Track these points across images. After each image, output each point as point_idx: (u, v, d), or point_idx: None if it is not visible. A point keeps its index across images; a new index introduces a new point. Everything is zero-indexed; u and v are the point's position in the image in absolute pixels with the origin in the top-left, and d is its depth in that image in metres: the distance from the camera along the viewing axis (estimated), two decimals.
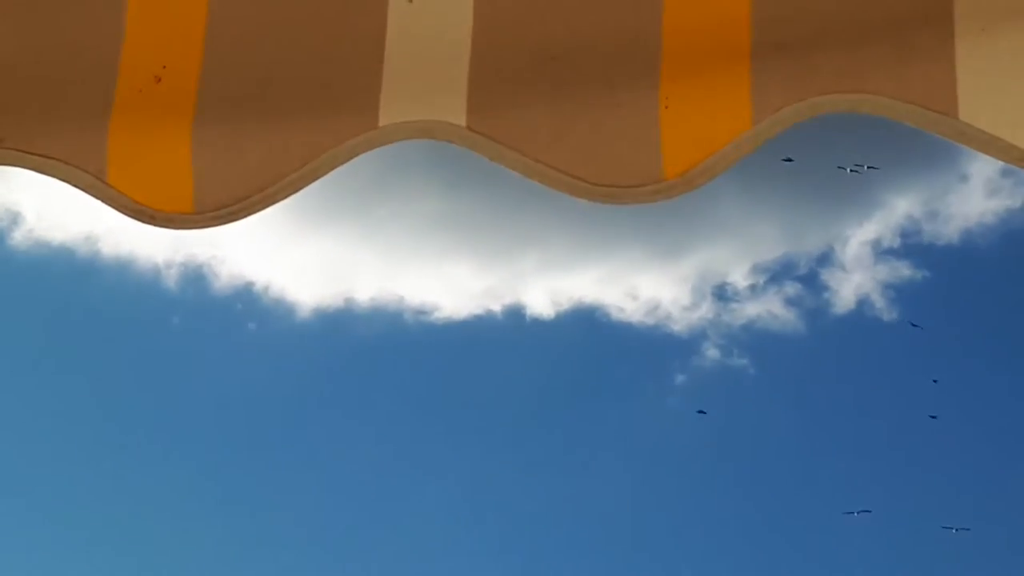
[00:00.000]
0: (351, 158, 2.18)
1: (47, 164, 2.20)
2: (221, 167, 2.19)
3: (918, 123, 2.03)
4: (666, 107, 2.11)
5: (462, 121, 2.15)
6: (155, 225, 2.20)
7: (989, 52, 2.01)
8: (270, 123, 2.20)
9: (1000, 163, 2.03)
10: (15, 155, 2.21)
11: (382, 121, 2.17)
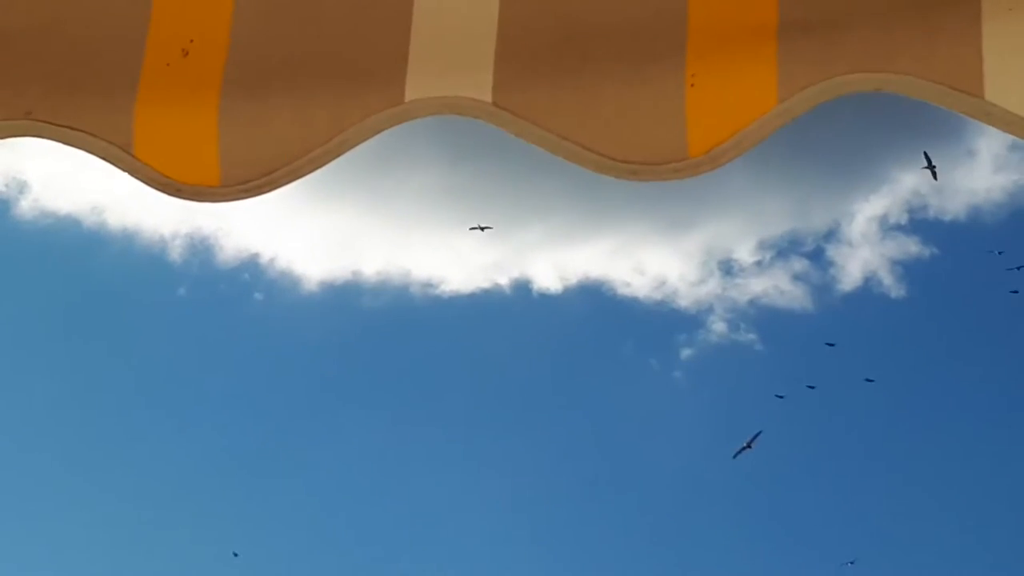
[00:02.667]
0: (376, 133, 2.19)
1: (75, 136, 2.21)
2: (247, 141, 2.20)
3: (944, 103, 2.03)
4: (692, 85, 2.11)
5: (488, 97, 2.15)
6: (181, 198, 2.21)
7: (1016, 32, 2.01)
8: (296, 98, 2.20)
9: (1009, 138, 2.03)
10: (43, 127, 2.22)
11: (408, 96, 2.17)
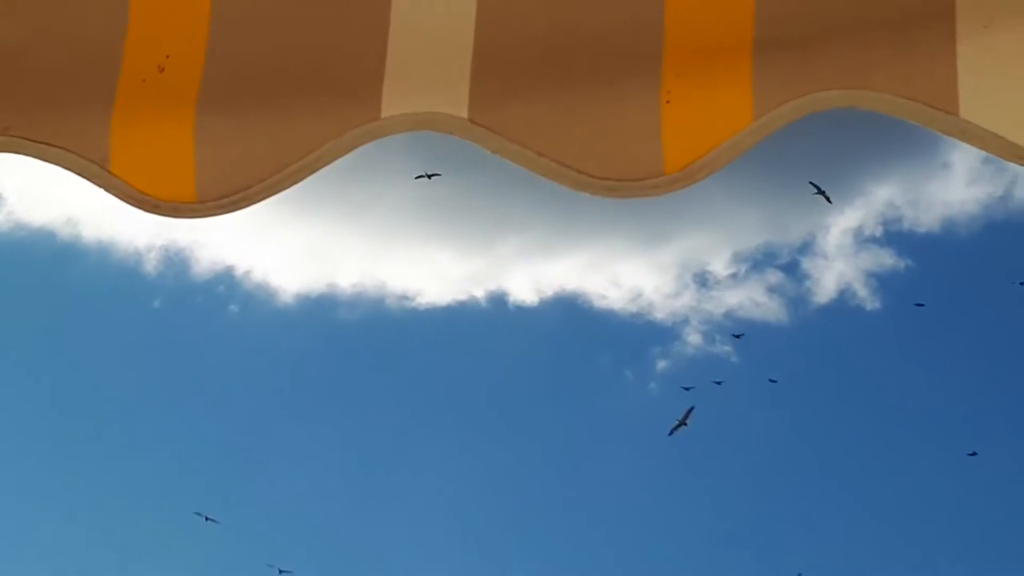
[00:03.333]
0: (353, 148, 2.19)
1: (51, 152, 2.21)
2: (224, 157, 2.20)
3: (920, 120, 2.04)
4: (668, 101, 2.12)
5: (464, 113, 2.16)
6: (158, 214, 2.21)
7: (991, 50, 2.02)
8: (273, 113, 2.20)
9: (983, 151, 2.04)
10: (20, 143, 2.22)
11: (384, 112, 2.17)
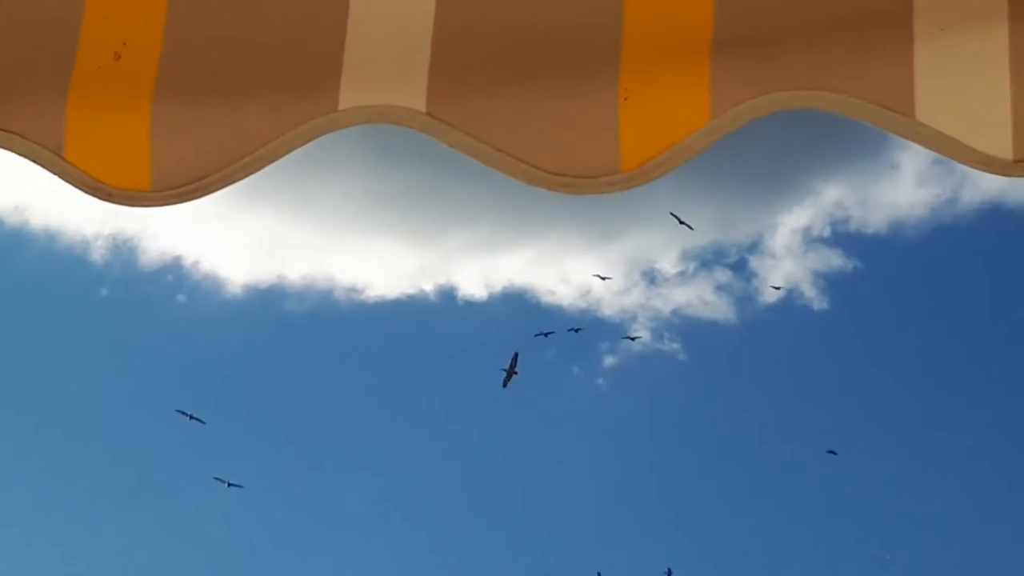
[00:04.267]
0: (310, 140, 2.18)
1: (5, 138, 2.19)
2: (179, 146, 2.19)
3: (876, 122, 2.04)
4: (625, 99, 2.12)
5: (422, 107, 2.15)
6: (113, 202, 2.20)
7: (948, 53, 2.03)
8: (229, 103, 2.19)
9: (931, 153, 2.05)
10: None
11: (342, 104, 2.17)
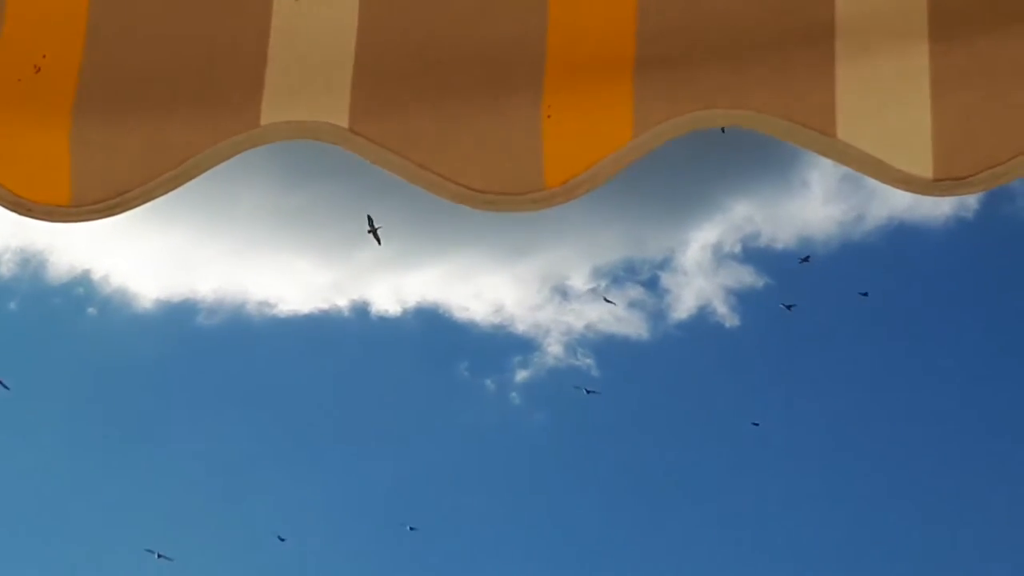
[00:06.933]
0: (231, 156, 2.17)
1: None
2: (100, 161, 2.17)
3: (798, 141, 2.05)
4: (548, 116, 2.12)
5: (344, 123, 2.14)
6: (32, 217, 2.17)
7: (869, 73, 2.04)
8: (150, 118, 2.17)
9: (840, 170, 2.07)
10: None
11: (264, 120, 2.15)
